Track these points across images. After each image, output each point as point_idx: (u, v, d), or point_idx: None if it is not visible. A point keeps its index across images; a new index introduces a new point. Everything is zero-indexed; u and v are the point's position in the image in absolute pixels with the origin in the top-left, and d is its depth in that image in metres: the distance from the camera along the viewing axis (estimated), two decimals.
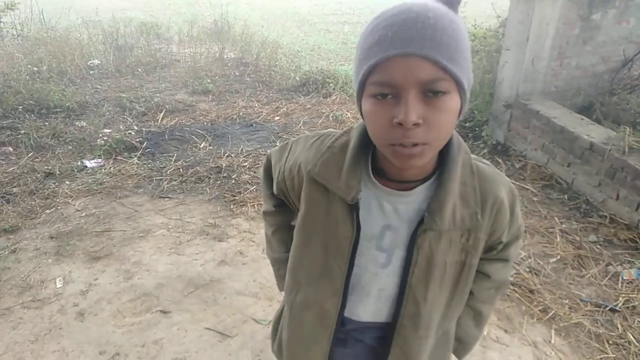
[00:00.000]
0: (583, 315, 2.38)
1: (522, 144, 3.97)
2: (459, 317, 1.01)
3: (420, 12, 0.64)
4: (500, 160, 3.96)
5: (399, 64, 0.64)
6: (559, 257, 2.81)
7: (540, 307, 2.42)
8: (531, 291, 2.53)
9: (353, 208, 0.83)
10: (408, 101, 0.65)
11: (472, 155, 0.86)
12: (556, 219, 3.17)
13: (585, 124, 3.51)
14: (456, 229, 0.82)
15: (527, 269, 2.69)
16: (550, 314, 2.38)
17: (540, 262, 2.76)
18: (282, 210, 1.10)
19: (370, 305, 0.92)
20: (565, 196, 3.41)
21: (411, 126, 0.65)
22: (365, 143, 0.83)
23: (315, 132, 0.95)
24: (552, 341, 2.23)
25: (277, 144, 4.28)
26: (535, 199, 3.42)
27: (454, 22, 0.67)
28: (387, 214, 0.84)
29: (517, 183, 3.60)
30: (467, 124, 4.42)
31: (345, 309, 0.93)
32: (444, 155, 0.80)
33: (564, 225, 3.10)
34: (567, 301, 2.48)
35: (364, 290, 0.91)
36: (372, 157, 0.84)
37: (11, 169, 3.66)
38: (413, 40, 0.63)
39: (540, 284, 2.58)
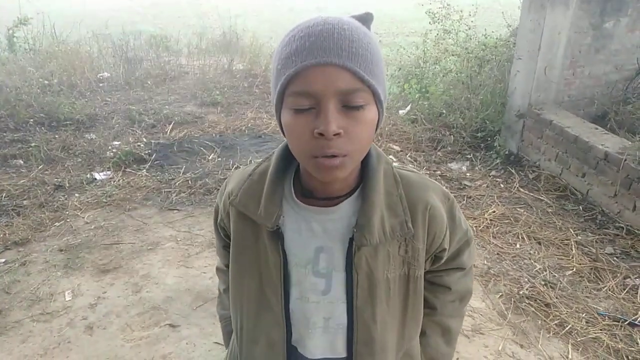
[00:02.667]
0: (601, 330, 2.31)
1: (535, 154, 3.91)
2: (427, 336, 0.97)
3: (336, 25, 0.65)
4: (513, 171, 3.91)
5: (318, 73, 0.64)
6: (574, 269, 2.74)
7: (556, 322, 2.36)
8: (547, 305, 2.47)
9: (276, 235, 0.81)
10: (329, 111, 0.65)
11: (396, 164, 0.86)
12: (571, 230, 3.10)
13: (600, 134, 3.46)
14: (389, 240, 0.79)
15: (543, 282, 2.63)
16: (567, 328, 2.31)
17: (556, 275, 2.69)
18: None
19: (319, 338, 0.87)
20: (580, 207, 3.35)
21: (332, 136, 0.65)
22: (285, 165, 0.83)
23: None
24: (570, 356, 2.17)
25: None
26: (550, 210, 3.35)
27: (368, 35, 0.68)
28: (317, 235, 0.82)
29: (531, 194, 3.55)
30: (479, 134, 4.38)
31: (296, 342, 0.88)
32: (365, 168, 0.80)
33: (579, 237, 3.03)
34: (584, 315, 2.41)
35: (310, 322, 0.86)
36: (296, 179, 0.84)
37: (22, 181, 3.67)
38: (331, 50, 0.63)
39: (556, 298, 2.52)
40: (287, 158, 0.82)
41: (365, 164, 0.80)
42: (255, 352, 0.90)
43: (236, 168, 3.96)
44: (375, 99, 0.69)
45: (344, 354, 0.87)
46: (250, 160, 4.12)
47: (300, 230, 0.82)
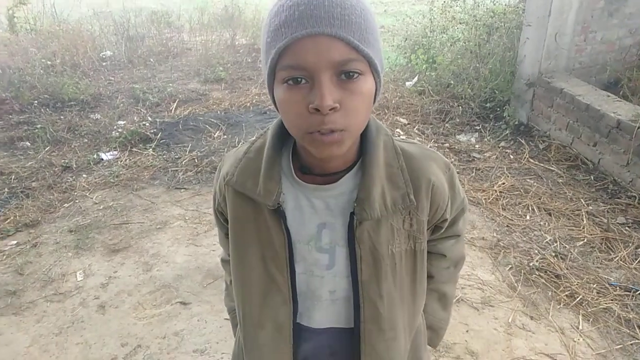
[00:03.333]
0: (612, 300, 2.30)
1: (545, 123, 3.84)
2: (425, 304, 0.96)
3: None
4: (523, 141, 3.84)
5: (309, 44, 0.61)
6: (585, 240, 2.72)
7: (567, 293, 2.35)
8: (557, 276, 2.46)
9: (278, 213, 0.78)
10: (323, 84, 0.62)
11: (395, 137, 0.83)
12: (582, 200, 3.06)
13: (612, 101, 3.37)
14: (391, 214, 0.77)
15: (553, 254, 2.61)
16: (578, 299, 2.31)
17: (567, 246, 2.67)
18: None
19: (325, 309, 0.87)
20: (592, 177, 3.29)
21: (328, 111, 0.62)
22: (282, 141, 0.79)
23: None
24: (580, 327, 2.17)
25: None
26: (560, 180, 3.31)
27: (360, 1, 0.64)
28: (319, 212, 0.80)
29: (542, 165, 3.50)
30: (488, 105, 4.30)
31: (301, 316, 0.87)
32: (364, 141, 0.77)
33: (590, 207, 2.99)
34: (595, 286, 2.40)
35: (315, 295, 0.85)
36: (293, 154, 0.81)
37: (29, 163, 3.68)
38: (322, 19, 0.60)
39: (567, 269, 2.50)
40: (282, 134, 0.79)
41: (364, 137, 0.77)
42: (260, 338, 0.88)
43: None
44: (371, 69, 0.66)
45: (351, 325, 0.86)
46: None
47: (301, 207, 0.80)
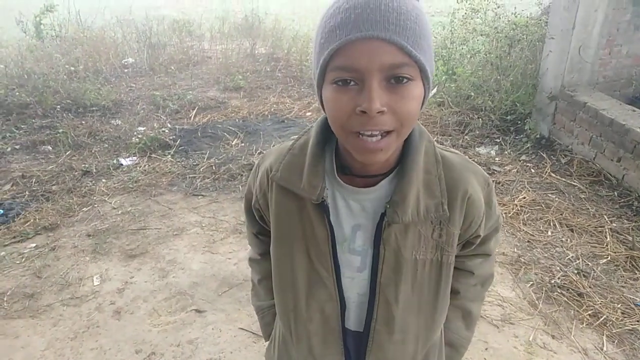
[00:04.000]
0: (638, 321, 2.22)
1: (568, 137, 3.76)
2: (448, 320, 0.95)
3: None
4: (544, 155, 3.77)
5: (363, 47, 0.61)
6: (609, 258, 2.64)
7: (590, 312, 2.28)
8: (580, 295, 2.39)
9: (322, 208, 0.78)
10: (372, 88, 0.62)
11: (438, 145, 0.82)
12: (605, 217, 2.98)
13: (638, 116, 3.29)
14: (422, 221, 0.77)
15: (575, 271, 2.54)
16: (602, 319, 2.23)
17: (589, 264, 2.60)
18: (269, 257, 1.00)
19: (353, 312, 0.88)
20: (615, 193, 3.21)
21: (375, 114, 0.63)
22: (325, 139, 0.80)
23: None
24: (604, 348, 2.09)
25: None
26: (583, 196, 3.23)
27: (416, 7, 0.64)
28: (355, 213, 0.80)
29: (564, 179, 3.43)
30: (509, 117, 4.24)
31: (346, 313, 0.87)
32: (406, 144, 0.77)
33: (614, 224, 2.91)
34: (619, 305, 2.32)
35: (345, 296, 0.86)
36: (335, 154, 0.81)
37: (50, 167, 3.74)
38: (377, 23, 0.60)
39: (590, 287, 2.43)
40: (326, 132, 0.80)
41: (407, 141, 0.76)
42: (311, 331, 0.89)
43: (259, 153, 3.95)
44: (421, 75, 0.66)
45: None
46: (274, 146, 4.09)
47: (337, 207, 0.81)
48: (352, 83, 0.64)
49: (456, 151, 0.85)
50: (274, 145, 4.05)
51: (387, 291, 0.81)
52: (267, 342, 1.09)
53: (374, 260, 0.80)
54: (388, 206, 0.75)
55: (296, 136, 0.85)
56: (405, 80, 0.64)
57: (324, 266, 0.83)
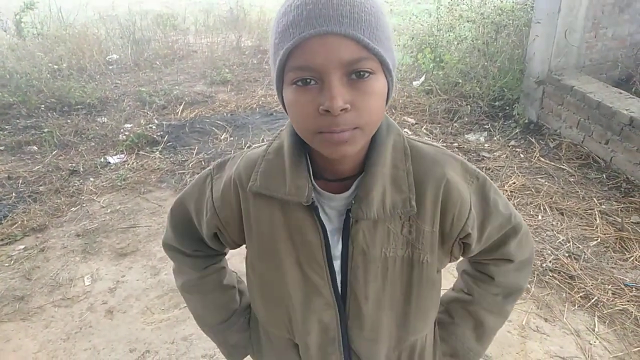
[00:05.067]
0: (628, 301, 2.25)
1: (556, 121, 3.78)
2: (455, 325, 0.92)
3: None
4: (533, 140, 3.79)
5: (318, 44, 0.59)
6: (599, 240, 2.66)
7: (581, 294, 2.30)
8: (571, 277, 2.41)
9: (311, 209, 0.74)
10: (332, 85, 0.60)
11: (413, 137, 0.79)
12: (595, 199, 3.01)
13: (624, 98, 3.31)
14: (388, 217, 0.73)
15: (566, 254, 2.56)
16: (593, 300, 2.26)
17: (580, 246, 2.62)
18: (211, 271, 0.96)
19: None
20: (604, 175, 3.24)
21: (339, 112, 0.60)
22: (300, 141, 0.75)
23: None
24: (596, 329, 2.12)
25: None
26: (572, 179, 3.25)
27: None
28: (331, 218, 0.78)
29: (553, 163, 3.44)
30: (497, 103, 4.25)
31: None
32: (372, 140, 0.74)
33: (603, 206, 2.94)
34: (610, 286, 2.34)
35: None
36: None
37: (37, 167, 3.69)
38: (331, 18, 0.58)
39: (581, 269, 2.45)
40: (297, 134, 0.76)
41: (373, 136, 0.73)
42: (310, 343, 0.85)
43: (248, 147, 3.91)
44: (382, 68, 0.64)
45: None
46: (263, 139, 4.07)
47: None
48: (312, 82, 0.61)
49: (434, 143, 0.81)
50: (262, 139, 4.01)
51: (356, 288, 0.78)
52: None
53: (342, 257, 0.78)
54: (353, 202, 0.72)
55: (264, 143, 0.81)
56: (366, 74, 0.62)
57: (319, 273, 0.79)
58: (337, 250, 0.78)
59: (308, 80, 0.61)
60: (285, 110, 0.69)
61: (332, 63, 0.59)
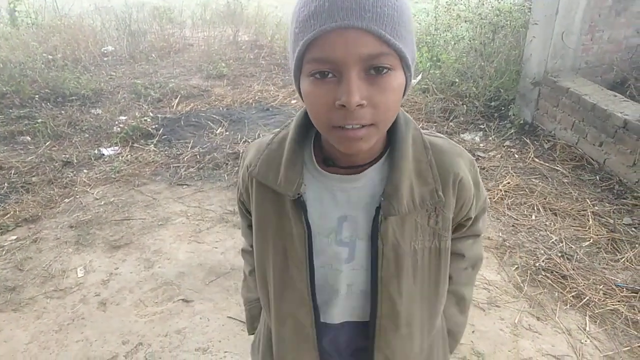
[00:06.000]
0: (619, 302, 2.27)
1: (551, 123, 3.80)
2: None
3: None
4: (528, 141, 3.81)
5: (338, 38, 0.58)
6: (591, 240, 2.69)
7: (573, 293, 2.32)
8: (563, 277, 2.43)
9: (299, 204, 0.76)
10: (350, 80, 0.59)
11: (423, 130, 0.81)
12: (588, 201, 3.04)
13: (619, 101, 3.34)
14: (418, 210, 0.75)
15: (559, 254, 2.58)
16: (584, 300, 2.28)
17: (573, 247, 2.64)
18: None
19: (341, 304, 0.85)
20: (597, 177, 3.26)
21: (355, 108, 0.60)
22: (305, 132, 0.78)
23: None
24: (587, 328, 2.14)
25: None
26: (566, 180, 3.28)
27: None
28: (341, 204, 0.78)
29: (547, 164, 3.47)
30: (493, 104, 4.27)
31: (320, 314, 0.85)
32: (393, 134, 0.75)
33: (596, 208, 2.96)
34: (601, 287, 2.37)
35: (333, 289, 0.84)
36: (316, 146, 0.79)
37: (30, 158, 3.65)
38: (352, 12, 0.57)
39: (573, 269, 2.47)
40: (306, 125, 0.78)
41: (393, 130, 0.75)
42: (284, 333, 0.88)
43: (244, 142, 3.92)
44: (402, 63, 0.63)
45: (366, 318, 0.84)
46: (259, 134, 4.06)
47: (322, 199, 0.78)
48: (330, 75, 0.61)
49: (441, 135, 0.84)
50: (258, 134, 4.02)
51: (389, 286, 0.79)
52: (253, 335, 1.08)
53: (372, 255, 0.78)
54: (382, 199, 0.73)
55: (277, 129, 0.83)
56: (385, 70, 0.61)
57: (298, 268, 0.80)
58: (344, 236, 0.79)
59: (326, 73, 0.61)
60: (302, 99, 0.69)
61: (352, 57, 0.59)
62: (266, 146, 0.80)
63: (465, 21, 5.03)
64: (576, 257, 2.56)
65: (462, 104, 4.35)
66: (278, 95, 5.01)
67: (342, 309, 0.85)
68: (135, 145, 3.89)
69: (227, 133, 4.14)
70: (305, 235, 0.78)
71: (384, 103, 0.63)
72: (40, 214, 2.97)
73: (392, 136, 0.75)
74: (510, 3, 4.81)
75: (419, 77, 4.95)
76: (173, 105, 4.73)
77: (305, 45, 0.61)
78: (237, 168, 3.51)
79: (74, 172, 3.47)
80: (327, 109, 0.63)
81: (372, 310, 0.82)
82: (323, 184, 0.78)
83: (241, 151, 3.72)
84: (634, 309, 2.23)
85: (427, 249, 0.79)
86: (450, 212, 0.79)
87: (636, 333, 2.11)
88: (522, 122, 4.00)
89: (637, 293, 2.32)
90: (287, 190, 0.75)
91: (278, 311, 0.86)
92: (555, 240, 2.69)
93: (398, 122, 0.75)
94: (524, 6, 4.60)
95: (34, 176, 3.41)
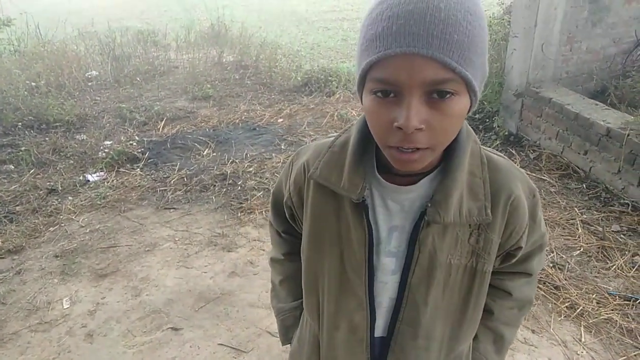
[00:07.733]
0: (612, 310, 2.27)
1: (535, 133, 3.84)
2: (477, 341, 0.92)
3: (431, 2, 0.56)
4: (513, 152, 3.84)
5: (403, 62, 0.57)
6: (582, 249, 2.69)
7: (567, 304, 2.32)
8: (556, 287, 2.42)
9: (361, 208, 0.76)
10: (410, 105, 0.59)
11: (485, 147, 0.79)
12: (576, 209, 3.05)
13: (600, 109, 3.39)
14: (462, 223, 0.74)
15: (551, 264, 2.58)
16: (578, 310, 2.27)
17: (563, 256, 2.64)
18: (293, 258, 0.99)
19: (382, 318, 0.85)
20: (584, 185, 3.29)
21: (412, 131, 0.60)
22: (367, 137, 0.76)
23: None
24: (583, 339, 2.13)
25: (282, 147, 4.19)
26: (553, 189, 3.30)
27: (470, 12, 0.58)
28: (393, 214, 0.77)
29: (533, 174, 3.49)
30: (477, 116, 4.31)
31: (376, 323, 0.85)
32: (452, 143, 0.73)
33: (584, 216, 2.98)
34: (594, 296, 2.36)
35: (376, 301, 0.83)
36: (376, 153, 0.79)
37: (13, 187, 3.59)
38: (420, 38, 0.56)
39: (565, 279, 2.47)
40: (367, 131, 0.76)
41: (453, 140, 0.72)
42: (337, 339, 0.86)
43: (232, 163, 3.89)
44: (467, 88, 0.62)
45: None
46: (246, 154, 4.04)
47: (375, 207, 0.78)
48: (392, 95, 0.61)
49: (502, 155, 0.81)
50: (246, 154, 3.98)
51: (416, 293, 0.78)
52: (290, 346, 1.06)
53: (406, 260, 0.77)
54: (429, 205, 0.72)
55: (336, 134, 0.83)
56: (448, 95, 0.60)
57: (357, 272, 0.80)
58: (392, 247, 0.78)
59: (388, 92, 0.61)
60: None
61: (415, 82, 0.58)
62: (327, 149, 0.80)
63: None
64: (568, 267, 2.56)
65: None
66: (265, 115, 5.01)
67: (382, 323, 0.85)
68: (121, 170, 3.84)
69: (214, 154, 4.12)
70: (366, 240, 0.77)
71: (443, 128, 0.62)
72: (24, 244, 2.91)
73: (451, 145, 0.73)
74: (490, 17, 4.90)
75: None
76: (159, 128, 4.70)
77: (369, 64, 0.61)
78: (225, 189, 3.48)
79: (59, 200, 3.42)
80: (386, 128, 0.62)
81: (394, 315, 0.81)
82: (378, 191, 0.77)
83: (229, 172, 3.70)
84: (627, 317, 2.23)
85: (462, 266, 0.78)
86: (495, 234, 0.76)
87: (631, 342, 2.10)
88: (506, 133, 4.04)
89: (629, 301, 2.32)
90: (351, 193, 0.75)
91: (332, 316, 0.85)
92: (546, 250, 2.69)
93: (460, 133, 0.73)
94: (503, 19, 4.68)
95: (17, 205, 3.35)
